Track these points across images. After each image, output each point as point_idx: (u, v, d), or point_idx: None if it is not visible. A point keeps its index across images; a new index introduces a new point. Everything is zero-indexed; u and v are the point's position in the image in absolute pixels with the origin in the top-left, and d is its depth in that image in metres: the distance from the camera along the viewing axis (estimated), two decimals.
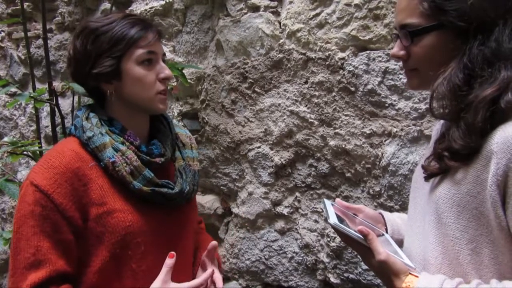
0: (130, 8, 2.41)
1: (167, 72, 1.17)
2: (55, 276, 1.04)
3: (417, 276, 0.92)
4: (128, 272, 1.11)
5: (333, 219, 1.02)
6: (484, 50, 0.90)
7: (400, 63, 1.06)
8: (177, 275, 1.21)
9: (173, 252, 1.11)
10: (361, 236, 0.98)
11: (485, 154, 0.86)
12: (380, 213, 1.24)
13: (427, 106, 1.58)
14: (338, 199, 1.20)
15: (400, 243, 1.13)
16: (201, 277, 1.15)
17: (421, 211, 1.02)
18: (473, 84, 0.90)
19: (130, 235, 1.11)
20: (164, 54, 1.22)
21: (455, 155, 0.91)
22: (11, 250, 1.07)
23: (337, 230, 1.04)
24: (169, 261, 1.10)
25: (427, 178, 0.98)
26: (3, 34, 3.13)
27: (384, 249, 0.96)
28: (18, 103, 2.80)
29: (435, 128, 1.15)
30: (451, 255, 0.92)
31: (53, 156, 1.11)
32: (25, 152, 1.87)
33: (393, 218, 1.23)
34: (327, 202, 1.14)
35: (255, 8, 1.98)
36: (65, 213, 1.06)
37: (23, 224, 1.05)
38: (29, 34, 2.54)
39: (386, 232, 1.19)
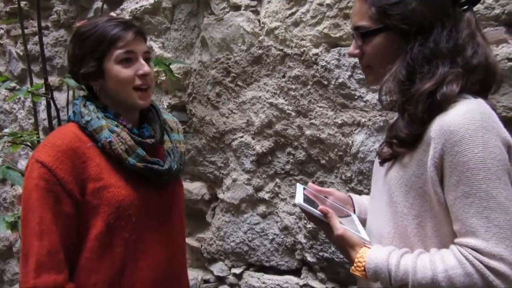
0: (121, 7, 2.50)
1: (145, 68, 1.27)
2: (59, 245, 1.16)
3: (370, 248, 1.02)
4: (121, 241, 1.24)
5: (298, 200, 1.12)
6: (424, 50, 1.00)
7: None
8: (166, 248, 1.33)
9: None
10: (321, 214, 1.08)
11: (426, 140, 0.97)
12: (349, 196, 1.33)
13: None
14: (310, 183, 1.28)
15: (366, 222, 1.23)
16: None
17: (379, 192, 1.12)
18: (415, 79, 1.01)
19: (122, 208, 1.23)
20: (147, 52, 1.31)
21: (402, 142, 1.01)
22: (21, 222, 1.20)
23: (302, 209, 1.15)
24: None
25: (381, 163, 1.09)
26: (1, 31, 3.19)
27: (341, 225, 1.06)
28: (18, 97, 2.92)
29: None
30: (401, 229, 1.03)
31: (55, 136, 1.24)
32: (24, 142, 2.00)
33: (361, 200, 1.33)
34: (299, 186, 1.24)
35: (236, 7, 2.07)
36: (66, 187, 1.18)
37: (29, 198, 1.17)
38: (26, 31, 2.63)
39: (354, 212, 1.28)
